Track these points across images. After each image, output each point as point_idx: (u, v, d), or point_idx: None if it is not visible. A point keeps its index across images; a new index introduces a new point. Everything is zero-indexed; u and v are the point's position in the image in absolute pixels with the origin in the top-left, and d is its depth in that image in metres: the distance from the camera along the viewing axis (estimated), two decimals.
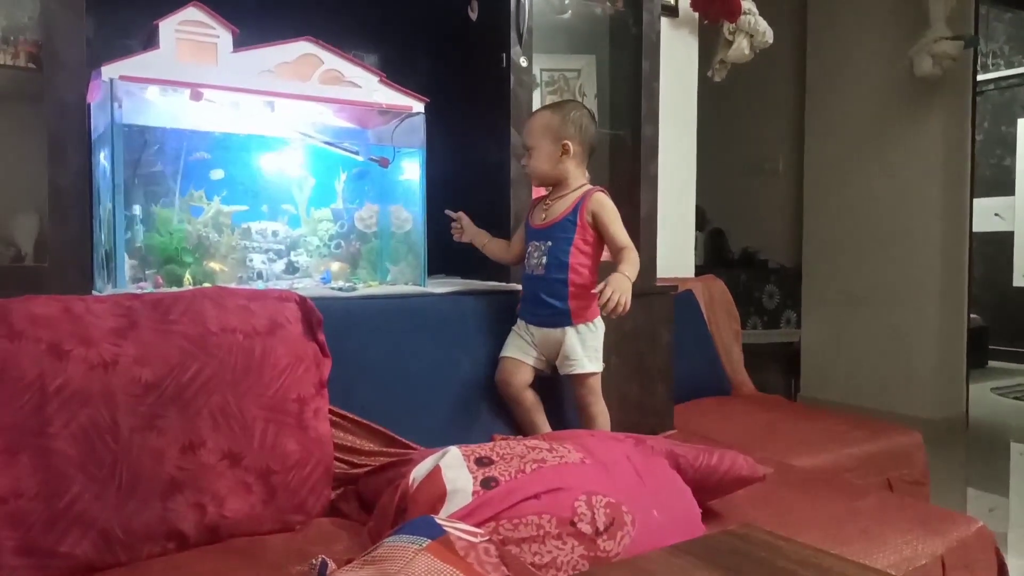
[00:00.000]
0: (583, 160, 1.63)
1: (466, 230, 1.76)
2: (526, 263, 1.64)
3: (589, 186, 1.63)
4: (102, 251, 1.43)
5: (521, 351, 1.62)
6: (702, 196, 2.98)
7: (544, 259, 1.59)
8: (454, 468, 1.11)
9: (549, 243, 1.59)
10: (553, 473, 1.10)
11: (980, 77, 4.48)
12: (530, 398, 1.61)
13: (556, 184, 1.63)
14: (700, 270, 3.12)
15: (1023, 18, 5.25)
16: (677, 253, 2.80)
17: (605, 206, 1.59)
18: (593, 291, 1.53)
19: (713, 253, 4.25)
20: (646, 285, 1.98)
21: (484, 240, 1.76)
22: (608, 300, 1.46)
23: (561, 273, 1.58)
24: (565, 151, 1.59)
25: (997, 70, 5.79)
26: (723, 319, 2.70)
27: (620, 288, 1.47)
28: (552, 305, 1.58)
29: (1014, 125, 5.71)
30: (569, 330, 1.59)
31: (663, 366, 1.98)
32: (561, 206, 1.61)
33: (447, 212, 1.77)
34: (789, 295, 4.06)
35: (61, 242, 1.32)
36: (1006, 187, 5.72)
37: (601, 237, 1.60)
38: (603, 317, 1.59)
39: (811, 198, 4.06)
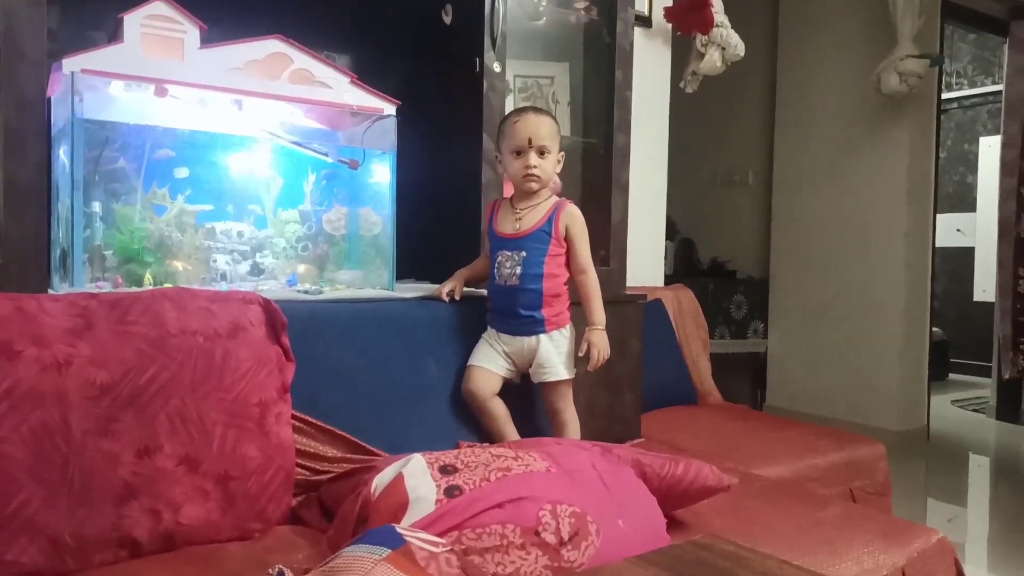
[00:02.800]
0: None
1: (458, 289, 1.69)
2: (496, 273, 1.61)
3: (556, 198, 1.63)
4: (59, 249, 1.39)
5: (489, 360, 1.61)
6: (673, 206, 2.99)
7: (519, 269, 1.58)
8: (417, 476, 1.09)
9: (523, 253, 1.58)
10: (518, 482, 1.09)
11: (944, 96, 4.58)
12: (498, 407, 1.60)
13: (527, 193, 1.61)
14: (669, 279, 3.14)
15: (985, 40, 5.38)
16: (647, 262, 2.81)
17: (577, 221, 1.60)
18: (580, 354, 1.60)
19: (683, 262, 4.28)
20: (616, 293, 1.98)
21: (470, 275, 1.70)
22: (592, 360, 1.58)
23: (536, 283, 1.57)
24: (560, 160, 1.62)
25: (961, 89, 5.92)
26: (691, 328, 2.71)
27: (601, 345, 1.60)
28: (526, 315, 1.58)
29: (976, 143, 5.85)
30: (543, 338, 1.58)
31: (632, 374, 1.98)
32: (534, 216, 1.59)
33: (440, 295, 1.67)
34: (757, 306, 4.09)
35: (17, 239, 1.28)
36: (968, 204, 5.84)
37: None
38: (588, 370, 1.62)
39: (779, 210, 4.11)
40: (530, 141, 1.55)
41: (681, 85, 2.81)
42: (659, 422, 2.22)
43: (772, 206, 4.14)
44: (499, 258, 1.61)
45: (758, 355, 4.12)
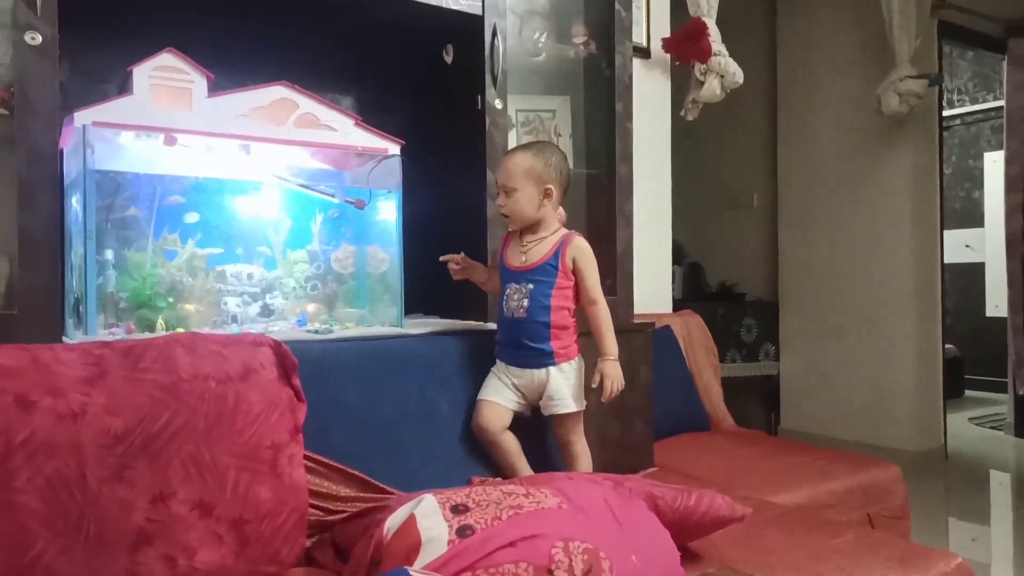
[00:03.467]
0: (559, 203, 1.64)
1: (465, 269, 1.71)
2: (504, 305, 1.62)
3: (565, 230, 1.63)
4: (73, 297, 1.41)
5: (499, 393, 1.61)
6: (679, 231, 3.01)
7: (526, 302, 1.58)
8: (429, 516, 1.09)
9: (530, 286, 1.59)
10: (530, 519, 1.08)
11: (946, 113, 4.60)
12: (508, 441, 1.60)
13: (532, 226, 1.63)
14: (678, 303, 3.14)
15: (985, 56, 5.40)
16: (655, 288, 2.81)
17: (585, 253, 1.60)
18: (593, 385, 1.60)
19: (691, 287, 4.27)
20: (624, 323, 1.98)
21: (484, 276, 1.72)
22: (607, 391, 1.58)
23: (543, 316, 1.58)
24: (547, 195, 1.59)
25: (963, 106, 5.94)
26: (702, 354, 2.70)
27: (614, 376, 1.59)
28: (534, 347, 1.58)
29: (980, 159, 5.84)
30: (552, 370, 1.59)
31: (642, 404, 1.98)
32: (541, 249, 1.61)
33: (442, 258, 1.71)
34: (767, 328, 4.08)
35: (31, 288, 1.30)
36: (976, 219, 5.83)
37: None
38: (601, 400, 1.62)
39: (786, 232, 4.11)
40: (496, 182, 1.62)
41: (682, 113, 2.83)
42: (672, 450, 2.21)
43: (778, 228, 4.14)
44: (507, 290, 1.62)
45: (770, 378, 4.10)
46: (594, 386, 1.60)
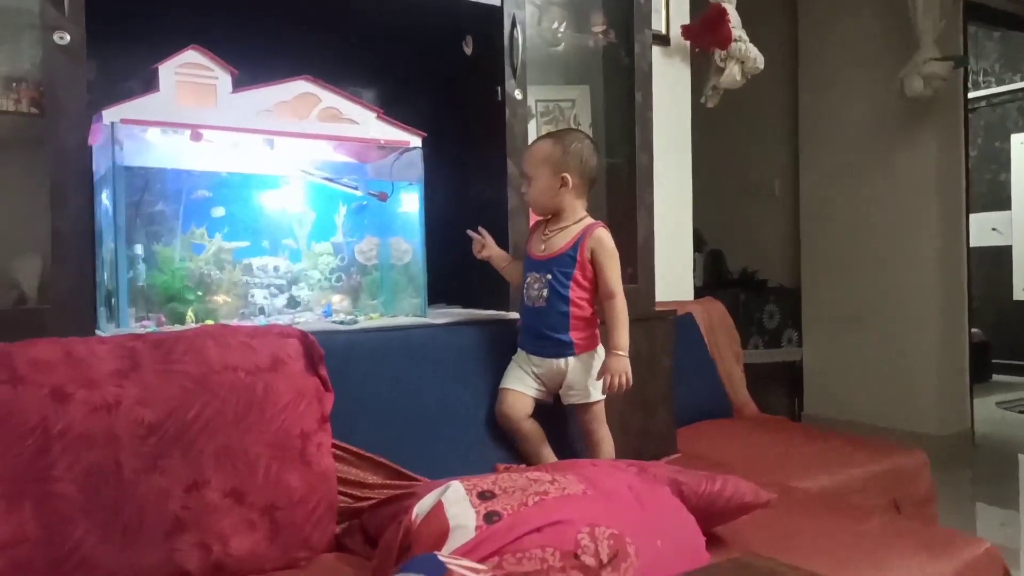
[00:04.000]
0: (583, 192, 1.63)
1: (488, 247, 1.72)
2: (526, 294, 1.63)
3: (589, 220, 1.63)
4: (105, 291, 1.44)
5: (521, 382, 1.62)
6: (700, 218, 2.99)
7: (545, 291, 1.59)
8: (457, 503, 1.10)
9: (548, 276, 1.59)
10: (555, 505, 1.09)
11: (972, 95, 4.52)
12: (531, 428, 1.61)
13: (554, 214, 1.63)
14: (700, 291, 3.12)
15: (1012, 37, 5.29)
16: (676, 276, 2.80)
17: (604, 245, 1.59)
18: (596, 379, 1.59)
19: (712, 274, 4.25)
20: (645, 310, 1.98)
21: (503, 263, 1.73)
22: (611, 386, 1.56)
23: (562, 306, 1.58)
24: (564, 183, 1.59)
25: (989, 87, 5.83)
26: (724, 341, 2.69)
27: (619, 370, 1.56)
28: (554, 337, 1.59)
29: (1007, 141, 5.74)
30: (572, 360, 1.59)
31: (664, 391, 1.98)
32: (561, 239, 1.61)
33: (469, 232, 1.73)
34: (789, 314, 4.05)
35: (64, 284, 1.33)
36: (1003, 202, 5.73)
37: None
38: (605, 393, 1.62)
39: (808, 217, 4.07)
40: (520, 170, 1.65)
41: (702, 100, 2.82)
42: (695, 437, 2.20)
43: (800, 214, 4.11)
44: (528, 279, 1.63)
45: (793, 364, 4.07)
46: (598, 380, 1.59)
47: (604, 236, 1.60)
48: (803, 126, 4.07)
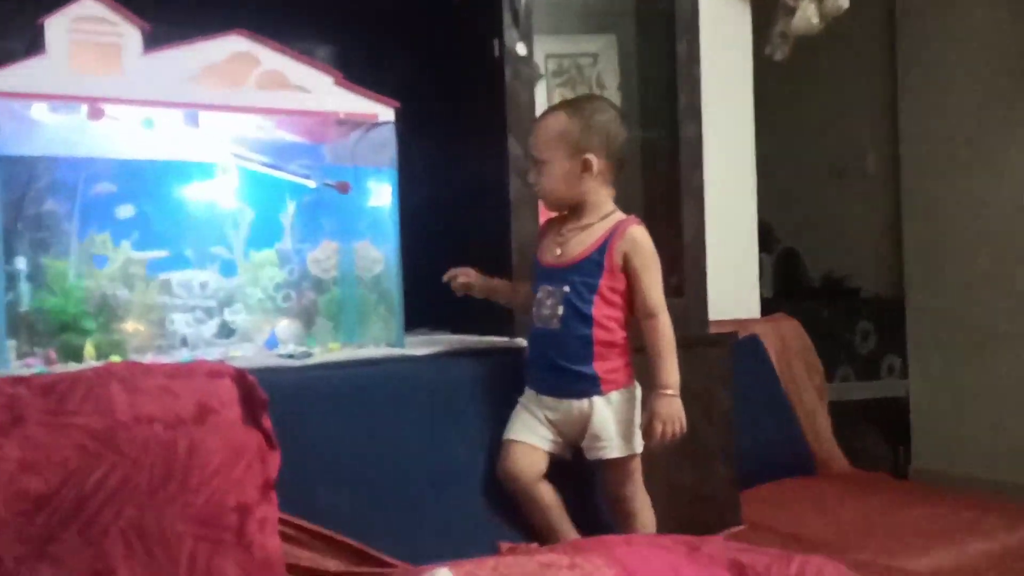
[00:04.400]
0: (609, 178, 1.63)
1: (476, 287, 1.73)
2: (535, 313, 1.63)
3: (620, 215, 1.63)
4: None
5: (531, 431, 1.62)
6: (768, 208, 2.99)
7: (560, 309, 1.59)
8: None
9: (566, 288, 1.59)
10: None
11: None
12: (546, 493, 1.60)
13: (573, 209, 1.64)
14: (768, 305, 3.11)
15: None
16: (736, 285, 2.80)
17: (641, 248, 1.59)
18: (641, 426, 1.60)
19: (785, 282, 4.25)
20: (695, 332, 1.98)
21: (507, 294, 1.73)
22: (656, 434, 1.56)
23: (583, 328, 1.58)
24: (587, 168, 1.59)
25: None
26: (801, 371, 2.69)
27: (670, 416, 1.56)
28: (572, 370, 1.58)
29: None
30: (598, 401, 1.59)
31: (722, 440, 1.97)
32: (582, 241, 1.61)
33: (446, 276, 1.73)
34: (890, 334, 4.03)
35: None
36: None
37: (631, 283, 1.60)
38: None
39: (912, 205, 4.06)
40: (526, 153, 1.64)
41: (767, 52, 2.82)
42: (764, 501, 2.20)
43: (901, 199, 4.10)
44: (539, 294, 1.63)
45: (896, 401, 4.05)
46: (641, 428, 1.59)
47: (640, 235, 1.60)
48: (903, 85, 4.07)
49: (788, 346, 2.68)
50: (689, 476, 1.92)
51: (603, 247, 1.59)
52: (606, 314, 1.59)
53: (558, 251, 1.63)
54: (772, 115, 3.05)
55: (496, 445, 1.64)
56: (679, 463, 1.88)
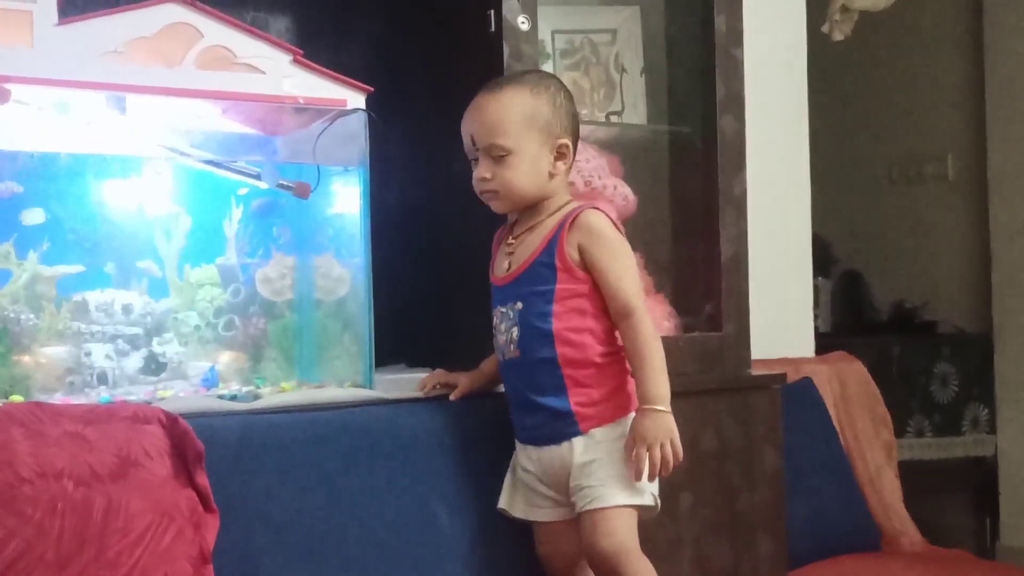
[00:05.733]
0: (570, 168, 1.67)
1: (460, 389, 1.73)
2: (494, 343, 1.65)
3: (574, 204, 1.65)
4: None
5: (528, 502, 1.63)
6: (824, 221, 3.00)
7: (515, 332, 1.59)
8: None
9: (519, 304, 1.60)
10: None
11: None
12: None
13: (531, 209, 1.65)
14: (826, 340, 3.12)
15: None
16: (786, 317, 2.80)
17: (599, 232, 1.58)
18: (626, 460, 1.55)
19: (846, 313, 4.25)
20: (735, 373, 1.99)
21: (490, 373, 1.74)
22: (641, 463, 1.52)
23: (543, 350, 1.57)
24: (561, 156, 1.62)
25: None
26: (865, 423, 2.69)
27: (656, 438, 1.52)
28: (543, 407, 1.58)
29: None
30: (578, 443, 1.57)
31: (769, 507, 1.97)
32: (530, 244, 1.62)
33: (424, 392, 1.74)
34: (975, 379, 4.03)
35: None
36: None
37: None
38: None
39: (1002, 220, 4.07)
40: (473, 140, 1.60)
41: (824, 30, 2.84)
42: None
43: (989, 212, 4.11)
44: (495, 319, 1.65)
45: (982, 461, 4.05)
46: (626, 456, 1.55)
47: (596, 219, 1.60)
48: (991, 71, 4.09)
49: (849, 392, 2.68)
50: (726, 553, 1.91)
51: (551, 244, 1.59)
52: (571, 326, 1.57)
53: (507, 263, 1.64)
54: (830, 107, 3.06)
55: (485, 513, 1.64)
56: (714, 535, 1.88)
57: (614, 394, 1.60)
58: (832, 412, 2.59)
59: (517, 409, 1.64)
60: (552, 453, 1.58)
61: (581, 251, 1.57)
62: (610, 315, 1.59)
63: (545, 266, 1.58)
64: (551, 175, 1.61)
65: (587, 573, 1.61)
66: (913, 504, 2.70)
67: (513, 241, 1.64)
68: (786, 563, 2.02)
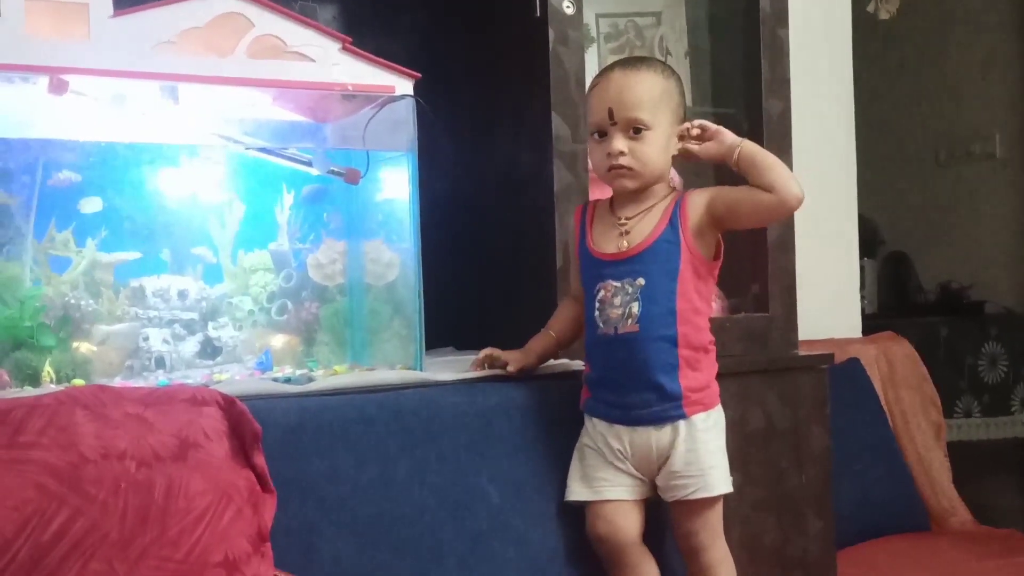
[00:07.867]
0: None
1: (514, 364, 1.72)
2: (599, 316, 1.61)
3: (679, 191, 1.66)
4: None
5: (608, 482, 1.61)
6: (870, 202, 2.98)
7: (635, 307, 1.58)
8: None
9: (641, 281, 1.58)
10: None
11: None
12: (641, 559, 1.61)
13: (639, 191, 1.64)
14: (873, 321, 3.10)
15: None
16: (832, 298, 2.79)
17: (706, 195, 1.61)
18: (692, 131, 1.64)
19: (893, 293, 4.22)
20: (782, 354, 1.98)
21: (538, 351, 1.73)
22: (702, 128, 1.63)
23: (667, 328, 1.57)
24: (683, 138, 1.64)
25: None
26: (913, 403, 2.67)
27: (720, 129, 1.63)
28: (652, 384, 1.57)
29: None
30: (682, 427, 1.57)
31: (817, 488, 1.97)
32: (650, 222, 1.61)
33: (476, 368, 1.73)
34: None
35: None
36: None
37: (715, 259, 1.62)
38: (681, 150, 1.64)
39: None
40: (611, 114, 1.57)
41: (870, 9, 2.81)
42: (869, 564, 2.19)
43: None
44: (601, 293, 1.62)
45: None
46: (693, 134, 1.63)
47: (700, 192, 1.63)
48: None
49: (897, 373, 2.66)
50: (774, 533, 1.91)
51: (673, 221, 1.59)
52: (692, 306, 1.58)
53: (624, 241, 1.62)
54: (876, 87, 3.04)
55: (536, 495, 1.65)
56: (764, 514, 1.88)
57: (711, 383, 1.62)
58: (880, 392, 2.58)
59: (615, 387, 1.61)
60: (648, 435, 1.58)
61: (697, 213, 1.59)
62: (749, 206, 1.61)
63: (670, 244, 1.58)
64: (670, 157, 1.63)
65: (641, 552, 1.61)
66: (962, 485, 2.68)
67: (627, 221, 1.63)
68: (834, 542, 2.01)
